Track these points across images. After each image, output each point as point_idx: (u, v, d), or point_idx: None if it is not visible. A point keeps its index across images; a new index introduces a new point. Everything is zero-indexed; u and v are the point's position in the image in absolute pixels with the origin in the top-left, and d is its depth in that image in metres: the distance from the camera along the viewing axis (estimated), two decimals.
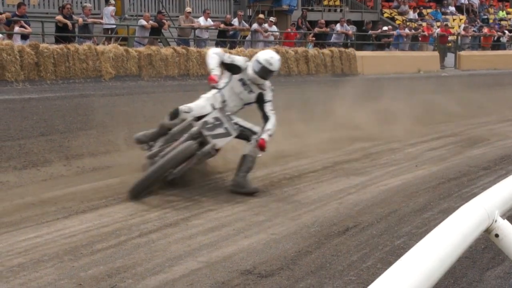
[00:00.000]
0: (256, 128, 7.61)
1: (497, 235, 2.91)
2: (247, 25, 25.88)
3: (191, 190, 7.19)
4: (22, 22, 18.98)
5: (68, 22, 19.94)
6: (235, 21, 25.28)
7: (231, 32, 24.98)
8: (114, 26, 22.70)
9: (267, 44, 25.58)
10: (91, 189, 7.09)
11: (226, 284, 4.68)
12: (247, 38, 25.96)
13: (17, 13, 18.96)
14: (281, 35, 27.50)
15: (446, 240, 2.12)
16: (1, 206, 6.32)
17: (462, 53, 32.36)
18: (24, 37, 19.25)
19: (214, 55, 7.54)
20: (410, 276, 1.78)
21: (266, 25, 25.67)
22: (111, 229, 5.77)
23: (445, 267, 2.05)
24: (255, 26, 25.45)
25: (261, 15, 26.69)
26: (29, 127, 10.80)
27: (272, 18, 26.54)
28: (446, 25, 33.06)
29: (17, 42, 18.31)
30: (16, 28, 18.83)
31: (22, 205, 6.38)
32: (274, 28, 26.17)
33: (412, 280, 1.80)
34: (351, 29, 28.94)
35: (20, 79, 17.30)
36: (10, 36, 18.56)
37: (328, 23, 28.66)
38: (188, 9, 24.16)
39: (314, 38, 27.77)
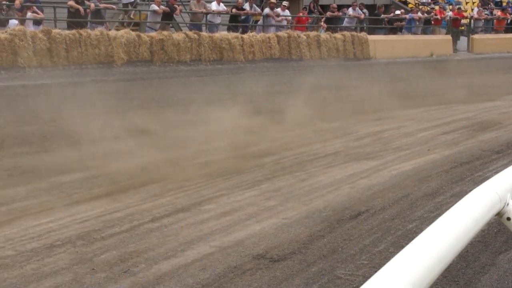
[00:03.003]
0: None
1: (509, 219, 2.89)
2: (258, 10, 25.80)
3: (202, 176, 7.20)
4: (35, 7, 19.01)
5: (80, 8, 19.95)
6: (247, 6, 25.21)
7: (243, 17, 24.91)
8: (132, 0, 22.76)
9: (279, 28, 25.50)
10: (103, 174, 7.12)
11: (239, 268, 4.69)
12: (259, 22, 25.88)
13: None
14: (293, 20, 27.41)
15: (457, 224, 2.11)
16: (15, 191, 6.36)
17: (475, 36, 32.16)
18: (37, 22, 19.28)
19: None
20: (421, 260, 1.78)
21: (278, 9, 25.58)
22: (123, 214, 5.79)
23: (456, 251, 2.04)
24: (266, 10, 25.36)
25: (273, 0, 26.58)
26: (42, 113, 10.83)
27: (285, 3, 26.42)
28: (459, 8, 32.83)
29: (30, 28, 18.35)
30: (29, 14, 18.86)
31: (35, 190, 6.42)
32: (287, 12, 26.09)
33: (422, 264, 1.80)
34: (363, 13, 28.79)
35: (33, 65, 17.36)
36: (22, 21, 18.60)
37: (340, 7, 28.53)
38: None
39: (325, 24, 27.63)
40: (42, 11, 19.41)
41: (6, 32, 17.15)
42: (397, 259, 1.74)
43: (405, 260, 1.73)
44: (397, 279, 1.59)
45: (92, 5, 20.24)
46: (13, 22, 18.41)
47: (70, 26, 19.64)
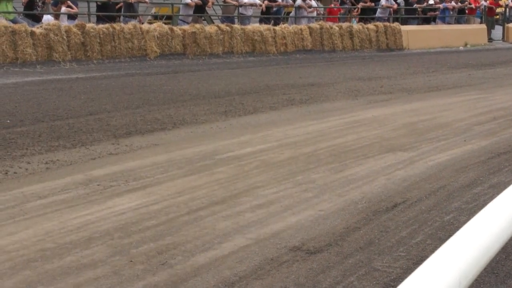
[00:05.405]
0: None
1: None
2: (290, 1, 25.73)
3: (237, 168, 7.22)
4: (69, 2, 19.20)
5: None
6: None
7: (275, 9, 24.87)
8: None
9: (311, 20, 25.43)
10: (139, 167, 7.17)
11: (275, 261, 4.69)
12: (291, 14, 25.83)
13: None
14: (324, 11, 27.32)
15: (501, 215, 2.09)
16: (52, 185, 6.43)
17: (510, 25, 31.74)
18: (71, 17, 19.47)
19: None
20: (467, 251, 1.76)
21: (313, 1, 25.49)
22: (160, 207, 5.82)
23: (501, 242, 2.02)
24: (298, 2, 25.28)
25: None
26: (77, 107, 10.95)
27: None
28: None
29: (64, 22, 18.53)
30: (63, 9, 19.05)
31: (72, 184, 6.49)
32: (313, 3, 25.96)
33: (467, 256, 1.78)
34: (399, 3, 28.54)
35: (67, 59, 17.55)
36: (57, 16, 18.79)
37: None
38: None
39: (358, 13, 27.45)
40: (76, 5, 19.61)
41: (41, 27, 17.36)
42: (443, 250, 1.72)
43: (451, 251, 1.72)
44: (444, 270, 1.58)
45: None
46: (47, 17, 18.62)
47: (100, 19, 19.81)
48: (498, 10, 32.01)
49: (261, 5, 24.03)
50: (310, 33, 23.86)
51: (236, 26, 22.06)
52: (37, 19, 18.47)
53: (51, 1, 18.72)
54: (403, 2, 29.11)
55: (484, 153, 8.17)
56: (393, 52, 26.02)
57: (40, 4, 18.65)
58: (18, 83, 14.31)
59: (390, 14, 28.04)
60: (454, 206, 6.02)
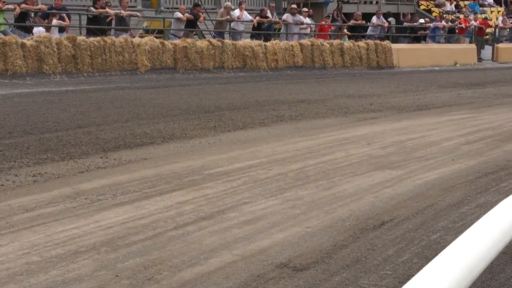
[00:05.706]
0: None
1: None
2: (279, 21, 25.82)
3: (226, 183, 7.21)
4: (64, 14, 19.22)
5: (110, 11, 20.13)
6: (268, 13, 25.25)
7: (265, 25, 24.94)
8: None
9: (302, 36, 25.52)
10: (127, 181, 7.15)
11: (262, 277, 4.68)
12: (281, 30, 25.91)
13: (53, 5, 19.18)
14: (315, 28, 27.42)
15: (485, 236, 2.10)
16: (39, 198, 6.41)
17: (500, 45, 31.96)
18: (62, 30, 19.48)
19: None
20: (450, 272, 1.77)
21: (301, 16, 25.57)
22: (147, 221, 5.81)
23: (485, 263, 2.03)
24: (285, 16, 25.32)
25: (294, 5, 26.61)
26: (66, 119, 10.93)
27: (305, 9, 26.45)
28: (486, 18, 32.66)
29: (55, 35, 18.53)
30: (54, 21, 19.05)
31: (59, 197, 6.46)
32: (307, 20, 26.08)
33: (451, 275, 1.79)
34: (390, 22, 28.70)
35: (58, 72, 17.53)
36: (48, 28, 18.80)
37: (364, 16, 28.50)
38: (229, 4, 24.13)
39: (348, 31, 27.55)
40: (69, 18, 19.63)
41: (32, 39, 17.35)
42: (428, 269, 1.73)
43: (437, 269, 1.72)
44: None
45: (111, 12, 20.34)
46: (38, 29, 18.63)
47: (90, 32, 19.83)
48: (488, 30, 32.23)
49: (251, 21, 24.11)
50: (301, 50, 23.94)
51: (227, 41, 22.12)
52: (28, 30, 18.46)
53: (39, 14, 18.74)
54: (394, 21, 29.27)
55: (472, 172, 8.19)
56: (383, 70, 26.13)
57: (32, 15, 18.67)
58: (7, 94, 14.28)
59: (381, 32, 28.18)
60: (441, 225, 6.03)
